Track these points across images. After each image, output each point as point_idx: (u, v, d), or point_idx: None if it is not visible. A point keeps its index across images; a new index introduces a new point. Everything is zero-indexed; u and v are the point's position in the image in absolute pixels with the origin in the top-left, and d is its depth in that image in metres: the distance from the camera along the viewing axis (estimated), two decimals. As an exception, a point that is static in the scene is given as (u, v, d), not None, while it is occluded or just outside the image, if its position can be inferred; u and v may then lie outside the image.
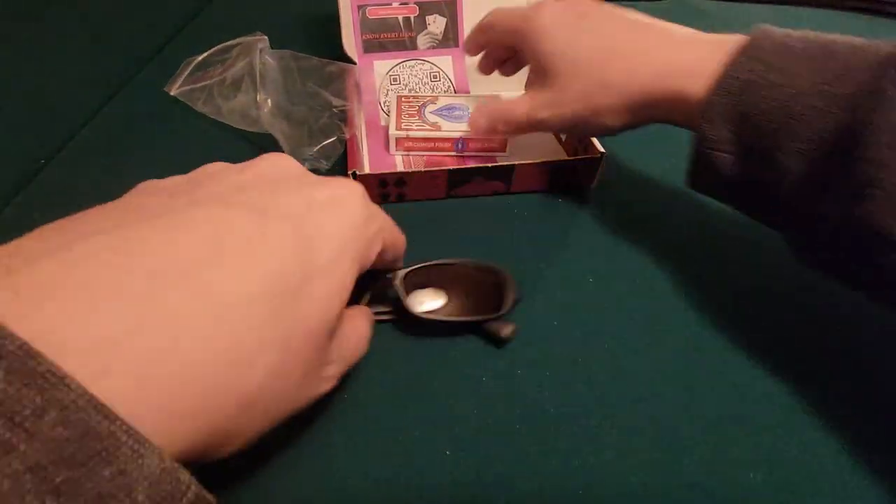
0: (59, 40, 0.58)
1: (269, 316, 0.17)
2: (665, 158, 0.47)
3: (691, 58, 0.31)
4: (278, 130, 0.38)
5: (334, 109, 0.39)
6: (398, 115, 0.44)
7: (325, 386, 0.22)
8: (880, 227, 0.23)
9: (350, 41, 0.49)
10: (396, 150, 0.44)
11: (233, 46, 0.38)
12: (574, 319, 0.33)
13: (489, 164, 0.39)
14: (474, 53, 0.44)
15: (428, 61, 0.52)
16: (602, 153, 0.40)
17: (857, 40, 0.27)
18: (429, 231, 0.38)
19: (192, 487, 0.14)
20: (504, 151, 0.43)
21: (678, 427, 0.28)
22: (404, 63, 0.52)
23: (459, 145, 0.43)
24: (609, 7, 0.35)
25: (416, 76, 0.51)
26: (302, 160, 0.39)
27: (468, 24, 0.51)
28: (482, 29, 0.41)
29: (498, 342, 0.31)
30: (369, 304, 0.30)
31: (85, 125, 0.46)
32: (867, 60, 0.25)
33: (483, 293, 0.31)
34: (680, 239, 0.39)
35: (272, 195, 0.20)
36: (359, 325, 0.25)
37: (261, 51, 0.37)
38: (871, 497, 0.26)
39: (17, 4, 0.63)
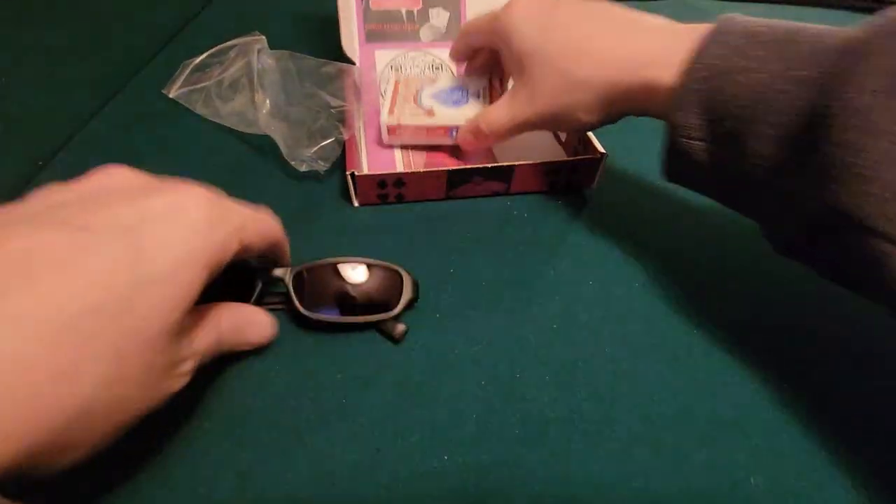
0: (58, 41, 0.57)
1: (93, 329, 0.18)
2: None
3: (658, 47, 0.30)
4: (276, 132, 0.38)
5: (332, 110, 0.39)
6: (392, 101, 0.42)
7: (178, 383, 0.22)
8: (847, 208, 0.23)
9: (349, 41, 0.49)
10: (390, 139, 0.43)
11: (231, 47, 0.38)
12: (574, 322, 0.33)
13: (489, 165, 0.39)
14: (460, 61, 0.45)
15: (430, 53, 0.51)
16: (602, 154, 0.39)
17: (821, 27, 0.27)
18: (428, 232, 0.38)
19: None
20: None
21: (678, 431, 0.28)
22: (406, 53, 0.51)
23: (454, 133, 0.42)
24: (580, 0, 0.35)
25: (417, 66, 0.51)
26: (300, 161, 0.39)
27: (470, 16, 0.50)
28: (461, 36, 0.42)
29: (392, 341, 0.31)
30: (260, 298, 0.31)
31: (83, 127, 0.46)
32: (832, 45, 0.25)
33: (380, 292, 0.32)
34: (680, 241, 0.39)
35: (96, 210, 0.20)
36: (225, 318, 0.26)
37: (259, 51, 0.37)
38: (874, 501, 0.26)
39: (16, 5, 0.62)
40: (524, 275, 0.35)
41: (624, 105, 0.33)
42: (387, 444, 0.27)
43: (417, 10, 0.50)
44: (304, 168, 0.39)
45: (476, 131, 0.39)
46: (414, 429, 0.28)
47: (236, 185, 0.39)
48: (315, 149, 0.39)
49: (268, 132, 0.38)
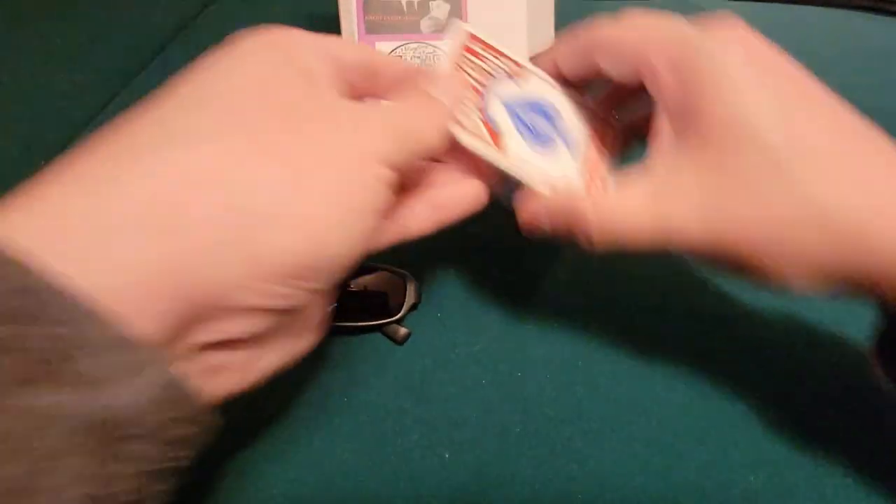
0: (59, 41, 0.57)
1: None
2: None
3: None
4: None
5: None
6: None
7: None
8: None
9: (349, 33, 0.48)
10: None
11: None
12: (575, 321, 0.33)
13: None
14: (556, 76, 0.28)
15: (432, 44, 0.51)
16: (605, 150, 0.39)
17: None
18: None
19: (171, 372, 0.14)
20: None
21: (678, 429, 0.28)
22: (407, 45, 0.51)
23: (514, 187, 0.25)
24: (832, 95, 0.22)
25: (418, 57, 0.50)
26: None
27: (472, 9, 0.50)
28: (583, 48, 0.26)
29: (396, 343, 0.31)
30: None
31: (85, 127, 0.46)
32: None
33: (382, 296, 0.32)
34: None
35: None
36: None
37: None
38: (873, 500, 0.26)
39: (16, 6, 0.61)
40: (526, 273, 0.35)
41: (855, 269, 0.19)
42: (387, 442, 0.27)
43: (418, 2, 0.49)
44: None
45: (574, 220, 0.23)
46: (414, 427, 0.28)
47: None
48: None
49: None
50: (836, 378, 0.31)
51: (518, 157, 0.25)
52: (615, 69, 0.24)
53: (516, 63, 0.27)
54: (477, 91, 0.25)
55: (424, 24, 0.51)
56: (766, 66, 0.21)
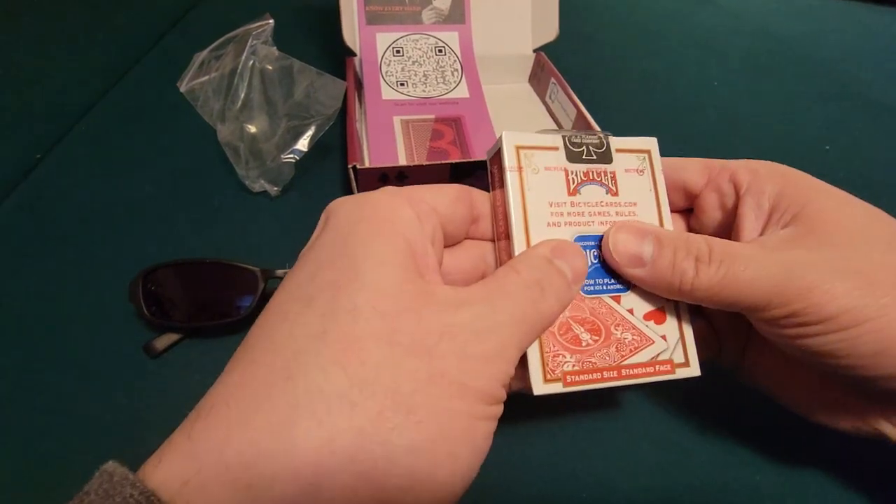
0: (55, 32, 0.56)
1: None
2: (673, 151, 0.46)
3: None
4: (230, 148, 0.38)
5: (308, 121, 0.37)
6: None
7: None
8: None
9: (350, 24, 0.48)
10: None
11: (230, 39, 0.36)
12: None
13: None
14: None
15: (433, 35, 0.50)
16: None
17: None
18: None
19: None
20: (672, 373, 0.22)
21: (683, 428, 0.28)
22: (408, 36, 0.50)
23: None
24: None
25: (419, 49, 0.50)
26: (253, 181, 0.39)
27: (475, 1, 0.49)
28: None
29: None
30: (263, 298, 0.30)
31: (82, 118, 0.45)
32: None
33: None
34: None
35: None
36: None
37: (250, 48, 0.35)
38: (877, 499, 0.26)
39: None
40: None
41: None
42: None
43: (420, -8, 0.48)
44: (257, 188, 0.39)
45: (687, 252, 0.21)
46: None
47: (232, 179, 0.39)
48: (263, 171, 0.38)
49: (224, 147, 0.38)
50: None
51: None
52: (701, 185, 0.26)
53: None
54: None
55: (426, 14, 0.50)
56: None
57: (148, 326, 0.30)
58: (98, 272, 0.34)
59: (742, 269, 0.20)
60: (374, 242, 0.18)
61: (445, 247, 0.22)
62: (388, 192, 0.20)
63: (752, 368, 0.25)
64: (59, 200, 0.38)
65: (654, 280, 0.22)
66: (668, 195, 0.25)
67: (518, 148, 0.22)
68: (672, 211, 0.25)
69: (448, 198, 0.21)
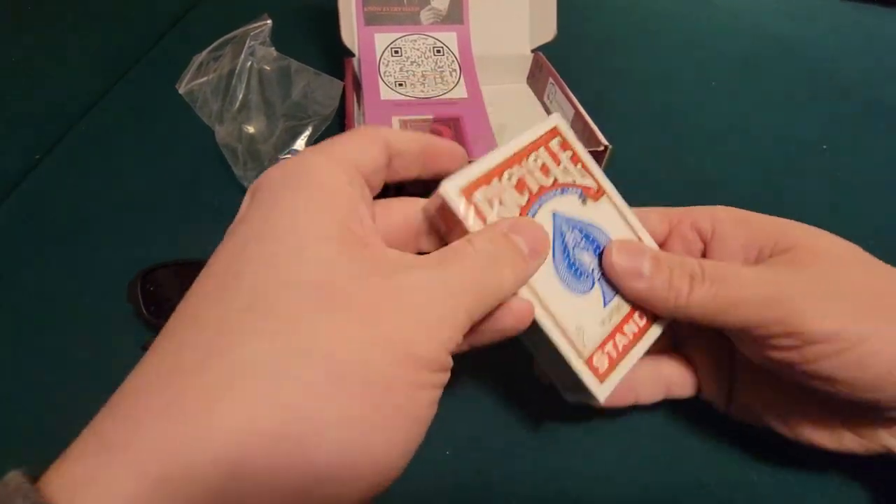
0: (55, 31, 0.56)
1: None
2: (670, 151, 0.46)
3: None
4: (228, 149, 0.38)
5: (305, 121, 0.37)
6: (488, 176, 0.21)
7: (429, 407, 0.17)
8: None
9: (348, 25, 0.48)
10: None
11: (229, 40, 0.37)
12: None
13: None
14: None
15: (431, 36, 0.50)
16: (606, 146, 0.39)
17: None
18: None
19: None
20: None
21: (681, 427, 0.28)
22: (406, 36, 0.50)
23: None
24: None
25: (418, 49, 0.50)
26: (248, 185, 0.38)
27: (473, 0, 0.49)
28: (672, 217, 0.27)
29: None
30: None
31: (81, 119, 0.45)
32: None
33: None
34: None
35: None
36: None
37: (248, 49, 0.36)
38: (876, 498, 0.26)
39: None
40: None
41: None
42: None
43: (418, -8, 0.48)
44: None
45: (683, 272, 0.22)
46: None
47: (231, 180, 0.39)
48: (261, 171, 0.38)
49: (222, 148, 0.38)
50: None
51: (532, 283, 0.21)
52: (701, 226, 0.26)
53: (596, 182, 0.24)
54: (530, 193, 0.22)
55: (424, 15, 0.50)
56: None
57: (146, 326, 0.30)
58: (96, 272, 0.34)
59: (734, 288, 0.22)
60: (306, 212, 0.17)
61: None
62: (314, 153, 0.19)
63: (746, 406, 0.26)
64: (59, 201, 0.39)
65: (651, 295, 0.23)
66: None
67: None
68: None
69: (367, 148, 0.20)
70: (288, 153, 0.37)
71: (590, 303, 0.22)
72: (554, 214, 0.22)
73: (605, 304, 0.23)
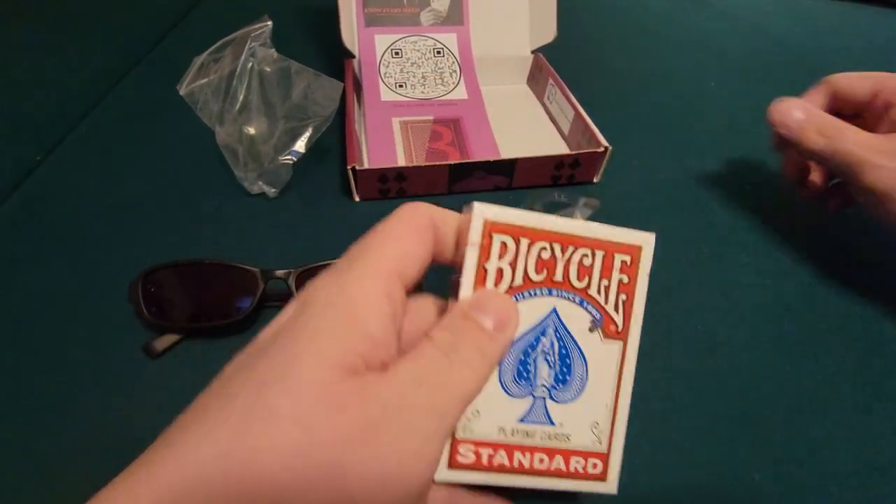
0: (55, 33, 0.56)
1: None
2: (670, 152, 0.46)
3: None
4: (229, 150, 0.38)
5: (306, 122, 0.37)
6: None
7: None
8: None
9: (348, 26, 0.48)
10: None
11: (230, 42, 0.37)
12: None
13: (491, 159, 0.38)
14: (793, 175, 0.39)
15: (432, 37, 0.50)
16: (606, 147, 0.39)
17: None
18: (430, 227, 0.38)
19: None
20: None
21: (682, 427, 0.28)
22: (407, 38, 0.50)
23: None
24: None
25: (418, 50, 0.50)
26: (251, 183, 0.39)
27: (473, 2, 0.49)
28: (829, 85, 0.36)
29: None
30: (263, 299, 0.30)
31: (82, 121, 0.46)
32: None
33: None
34: (684, 235, 0.38)
35: None
36: None
37: (249, 50, 0.36)
38: (878, 497, 0.26)
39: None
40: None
41: None
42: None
43: (418, -7, 0.49)
44: (255, 190, 0.39)
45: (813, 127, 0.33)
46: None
47: (231, 181, 0.39)
48: (261, 172, 0.38)
49: (223, 149, 0.38)
50: (841, 376, 0.31)
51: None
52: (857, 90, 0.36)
53: (624, 325, 0.22)
54: (548, 278, 0.20)
55: (425, 16, 0.50)
56: None
57: (148, 327, 0.31)
58: (98, 273, 0.34)
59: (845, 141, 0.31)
60: (320, 335, 0.17)
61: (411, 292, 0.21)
62: (367, 273, 0.19)
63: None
64: (60, 202, 0.39)
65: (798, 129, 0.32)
66: (838, 105, 0.36)
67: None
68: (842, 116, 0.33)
69: (413, 251, 0.20)
70: (288, 155, 0.38)
71: (509, 405, 0.20)
72: (553, 309, 0.20)
73: (520, 419, 0.20)
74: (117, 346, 0.30)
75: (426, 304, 0.21)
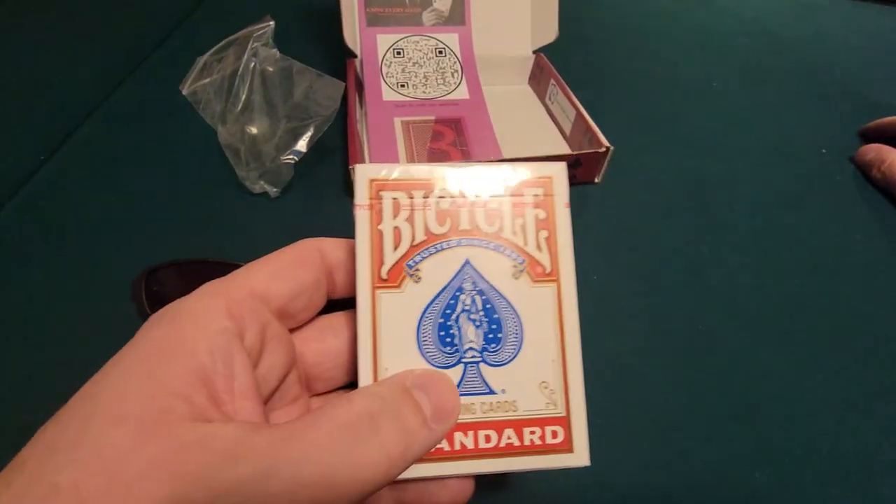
0: (58, 34, 0.56)
1: None
2: (671, 152, 0.46)
3: None
4: (231, 150, 0.38)
5: (307, 122, 0.38)
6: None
7: None
8: None
9: (350, 25, 0.48)
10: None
11: (232, 42, 0.37)
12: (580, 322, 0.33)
13: (492, 159, 0.38)
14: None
15: (433, 37, 0.50)
16: (608, 147, 0.39)
17: None
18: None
19: None
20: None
21: (681, 426, 0.28)
22: (408, 37, 0.50)
23: None
24: None
25: (420, 50, 0.50)
26: (253, 183, 0.39)
27: (475, 2, 0.49)
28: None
29: None
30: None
31: (85, 120, 0.46)
32: None
33: None
34: (685, 235, 0.38)
35: None
36: None
37: (251, 51, 0.36)
38: (878, 497, 0.26)
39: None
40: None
41: None
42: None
43: (420, -7, 0.49)
44: (257, 189, 0.39)
45: None
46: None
47: (233, 180, 0.39)
48: (263, 172, 0.38)
49: (225, 149, 0.38)
50: (840, 374, 0.31)
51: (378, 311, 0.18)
52: None
53: (553, 264, 0.19)
54: (453, 227, 0.18)
55: (426, 16, 0.50)
56: None
57: (150, 326, 0.31)
58: (100, 272, 0.34)
59: None
60: (130, 380, 0.15)
61: (301, 327, 0.19)
62: (204, 293, 0.17)
63: None
64: (63, 201, 0.39)
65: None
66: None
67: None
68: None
69: (284, 273, 0.18)
70: (290, 154, 0.38)
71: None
72: (466, 262, 0.18)
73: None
74: (120, 345, 0.30)
75: (337, 322, 0.19)
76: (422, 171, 0.18)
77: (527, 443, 0.18)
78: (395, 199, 0.18)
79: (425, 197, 0.18)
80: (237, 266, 0.31)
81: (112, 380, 0.15)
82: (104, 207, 0.38)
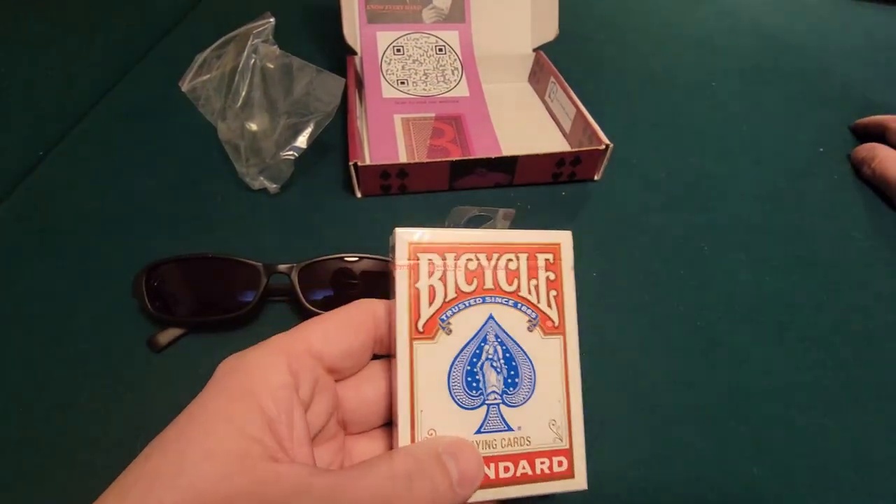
0: (58, 30, 0.56)
1: None
2: (671, 150, 0.46)
3: None
4: (231, 146, 0.38)
5: (307, 118, 0.38)
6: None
7: None
8: None
9: (351, 23, 0.48)
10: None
11: (232, 39, 0.37)
12: (578, 321, 0.33)
13: (492, 156, 0.38)
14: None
15: (433, 35, 0.50)
16: (607, 145, 0.39)
17: None
18: (431, 223, 0.38)
19: None
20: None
21: (680, 421, 0.29)
22: (408, 35, 0.50)
23: None
24: None
25: (420, 48, 0.50)
26: (252, 179, 0.39)
27: (475, 1, 0.49)
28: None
29: None
30: (266, 293, 0.30)
31: (84, 117, 0.46)
32: None
33: (384, 287, 0.31)
34: (684, 232, 0.39)
35: None
36: None
37: (251, 47, 0.36)
38: (874, 492, 0.26)
39: None
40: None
41: None
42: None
43: (420, -9, 0.49)
44: (256, 185, 0.39)
45: None
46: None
47: (233, 176, 0.39)
48: (263, 168, 0.38)
49: (223, 144, 0.38)
50: (839, 371, 0.31)
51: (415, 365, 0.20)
52: None
53: (560, 318, 0.22)
54: (479, 287, 0.21)
55: (427, 13, 0.50)
56: None
57: (151, 321, 0.31)
58: (101, 268, 0.34)
59: None
60: (215, 422, 0.17)
61: (346, 377, 0.21)
62: (268, 349, 0.19)
63: None
64: (63, 197, 0.39)
65: None
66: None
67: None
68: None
69: (338, 338, 0.20)
70: (290, 150, 0.38)
71: (464, 419, 0.20)
72: (490, 316, 0.21)
73: (478, 430, 0.20)
74: (121, 340, 0.30)
75: (374, 372, 0.22)
76: (453, 235, 0.21)
77: (538, 472, 0.21)
78: (430, 260, 0.21)
79: (456, 259, 0.21)
80: (238, 262, 0.31)
81: (199, 421, 0.17)
82: (104, 203, 0.38)
